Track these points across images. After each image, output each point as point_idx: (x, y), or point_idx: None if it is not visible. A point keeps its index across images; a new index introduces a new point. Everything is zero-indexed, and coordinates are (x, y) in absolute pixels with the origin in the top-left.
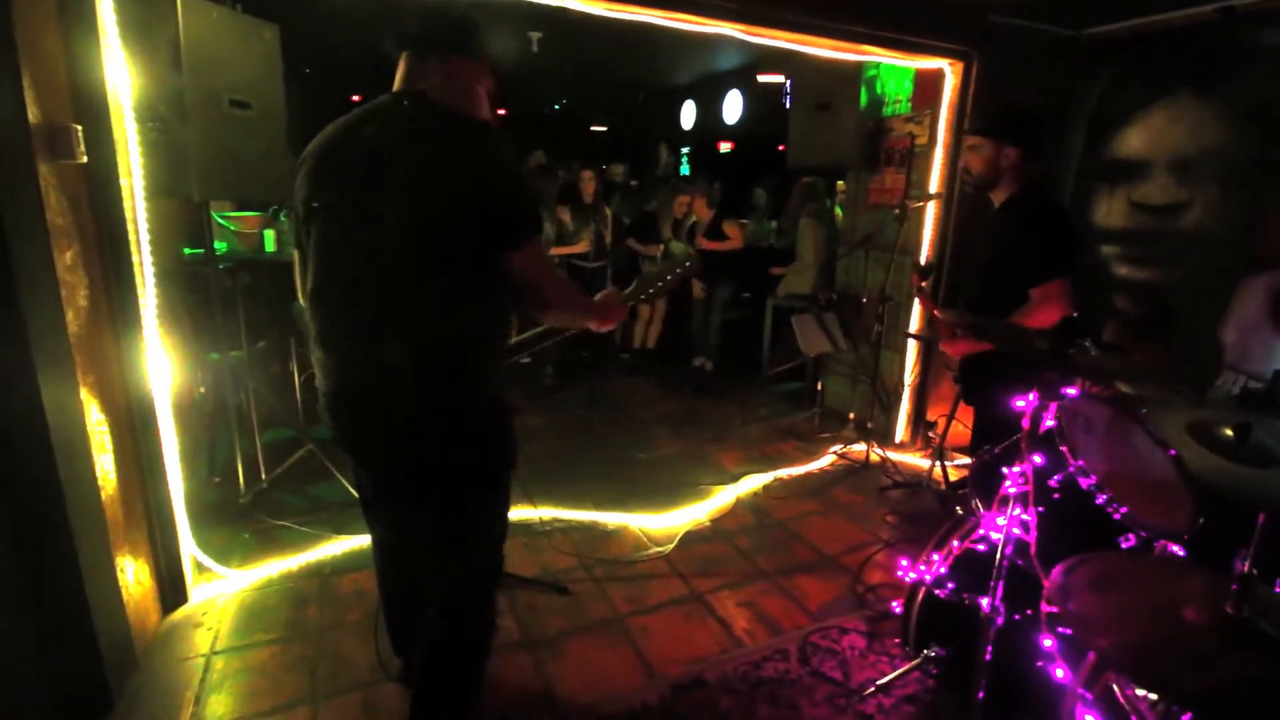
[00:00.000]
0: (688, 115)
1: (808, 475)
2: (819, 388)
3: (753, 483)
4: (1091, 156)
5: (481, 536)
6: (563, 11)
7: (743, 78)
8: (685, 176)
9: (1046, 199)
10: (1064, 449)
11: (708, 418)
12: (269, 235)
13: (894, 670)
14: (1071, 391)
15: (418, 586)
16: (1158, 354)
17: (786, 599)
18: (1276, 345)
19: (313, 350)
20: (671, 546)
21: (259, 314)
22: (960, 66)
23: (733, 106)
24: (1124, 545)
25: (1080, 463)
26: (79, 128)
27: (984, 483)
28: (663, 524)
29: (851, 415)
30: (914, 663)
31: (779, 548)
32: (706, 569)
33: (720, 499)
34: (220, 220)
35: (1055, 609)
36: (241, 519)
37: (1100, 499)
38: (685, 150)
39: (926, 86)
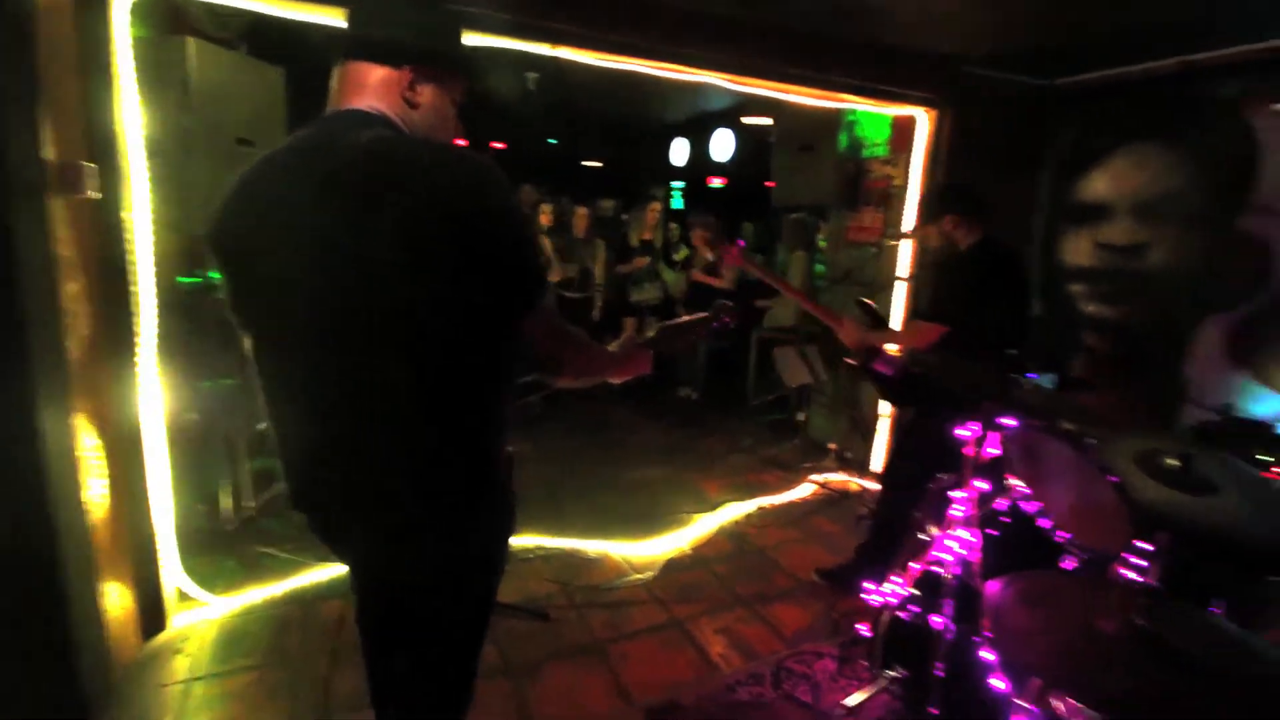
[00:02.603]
0: (679, 152)
1: (789, 505)
2: (802, 418)
3: (734, 511)
4: (1061, 199)
5: (454, 675)
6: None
7: (732, 117)
8: (678, 210)
9: (979, 257)
10: (1008, 476)
11: (692, 447)
12: None
13: (862, 694)
14: (1011, 421)
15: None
16: (1123, 389)
17: (763, 625)
18: (1233, 381)
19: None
20: (653, 574)
21: None
22: (934, 114)
23: (723, 144)
24: (1065, 567)
25: (1025, 489)
26: (93, 165)
27: (936, 507)
28: (645, 551)
29: (832, 445)
30: (877, 685)
31: (758, 575)
32: (686, 596)
33: (702, 527)
34: None
35: (991, 624)
36: (227, 546)
37: (1045, 523)
38: (678, 185)
39: (904, 131)
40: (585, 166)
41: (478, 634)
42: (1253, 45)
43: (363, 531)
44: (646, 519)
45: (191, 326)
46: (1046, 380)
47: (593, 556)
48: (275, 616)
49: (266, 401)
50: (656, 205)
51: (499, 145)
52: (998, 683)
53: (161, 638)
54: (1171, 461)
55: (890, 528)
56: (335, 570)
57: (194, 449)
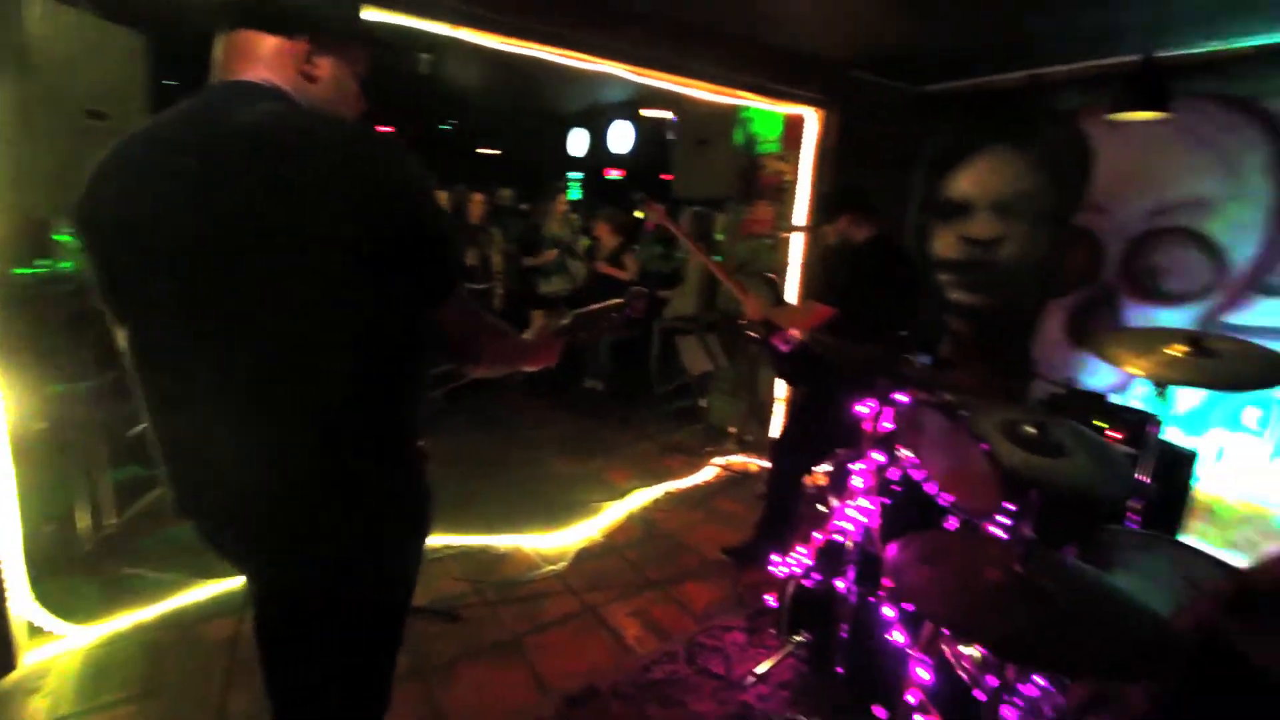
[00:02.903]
0: (578, 142)
1: (694, 488)
2: (703, 405)
3: (642, 498)
4: (931, 196)
5: (367, 682)
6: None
7: (631, 109)
8: (576, 201)
9: (874, 250)
10: (899, 448)
11: (599, 437)
12: None
13: (770, 660)
14: (903, 397)
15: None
16: (983, 368)
17: (674, 605)
18: (1073, 358)
19: (160, 459)
20: (565, 564)
21: (110, 340)
22: (822, 114)
23: (622, 136)
24: (949, 527)
25: (913, 459)
26: None
27: (835, 480)
28: (556, 543)
29: (732, 429)
30: (785, 650)
31: (667, 558)
32: (599, 583)
33: (612, 515)
34: (66, 239)
35: (893, 583)
36: (86, 568)
37: (930, 489)
38: (576, 176)
39: (794, 129)
40: (481, 154)
41: (393, 639)
42: (1088, 63)
43: (266, 536)
44: (556, 510)
45: (36, 324)
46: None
47: (503, 552)
48: (149, 643)
49: (146, 400)
50: (564, 198)
51: (386, 129)
52: (897, 635)
53: (11, 678)
54: (1029, 429)
55: (783, 500)
56: (218, 587)
57: (44, 461)
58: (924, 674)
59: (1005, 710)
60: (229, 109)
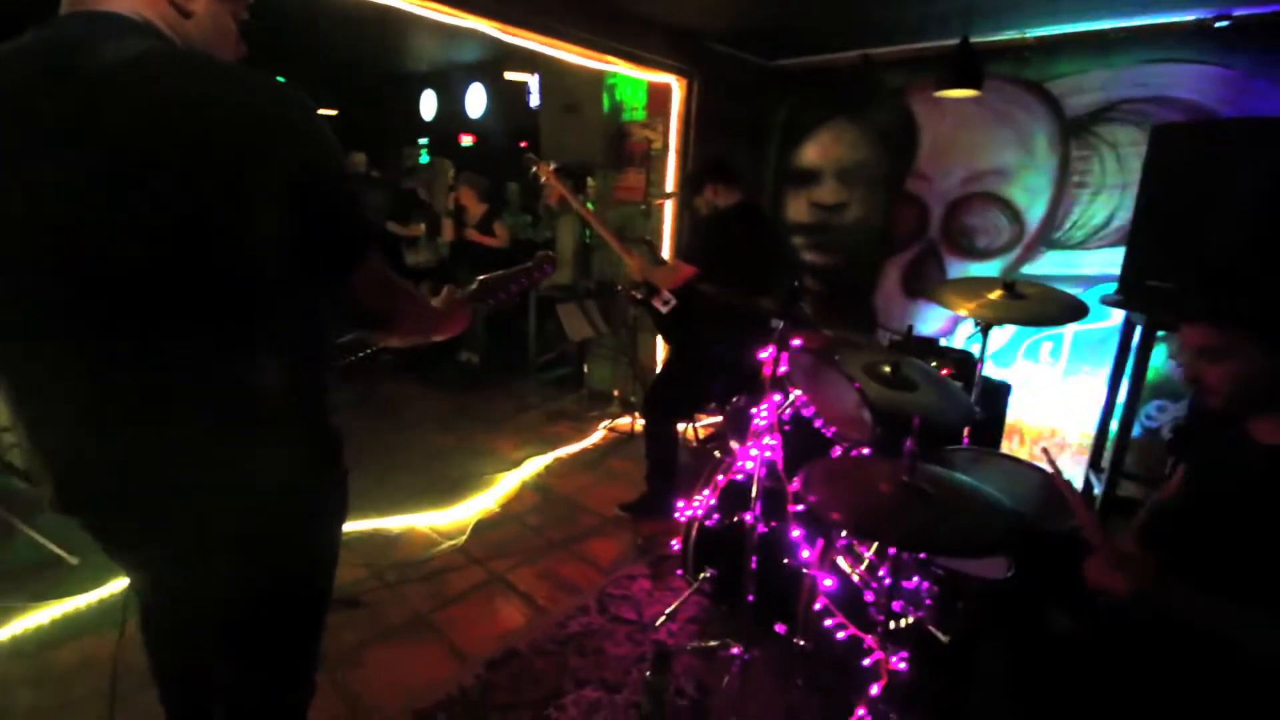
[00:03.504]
0: (428, 105)
1: (583, 451)
2: (584, 370)
3: (535, 465)
4: (784, 164)
5: (290, 674)
6: None
7: (487, 71)
8: (427, 165)
9: (738, 216)
10: (791, 389)
11: (481, 410)
12: None
13: (678, 600)
14: (798, 342)
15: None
16: (834, 320)
17: (581, 562)
18: (908, 307)
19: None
20: (464, 537)
21: None
22: (685, 83)
23: (476, 100)
24: (834, 455)
25: (803, 397)
26: None
27: (735, 425)
28: (452, 518)
29: (615, 392)
30: (692, 588)
31: (566, 519)
32: (502, 551)
33: (506, 485)
34: None
35: (801, 506)
36: None
37: (818, 423)
38: (424, 141)
39: (659, 97)
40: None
41: (316, 628)
42: (912, 45)
43: (168, 530)
44: (449, 486)
45: None
46: None
47: (397, 533)
48: None
49: (7, 388)
50: (452, 170)
51: None
52: (805, 554)
53: None
54: (886, 369)
55: (661, 452)
56: (64, 608)
57: None
58: (828, 582)
59: (894, 604)
60: (97, 46)
